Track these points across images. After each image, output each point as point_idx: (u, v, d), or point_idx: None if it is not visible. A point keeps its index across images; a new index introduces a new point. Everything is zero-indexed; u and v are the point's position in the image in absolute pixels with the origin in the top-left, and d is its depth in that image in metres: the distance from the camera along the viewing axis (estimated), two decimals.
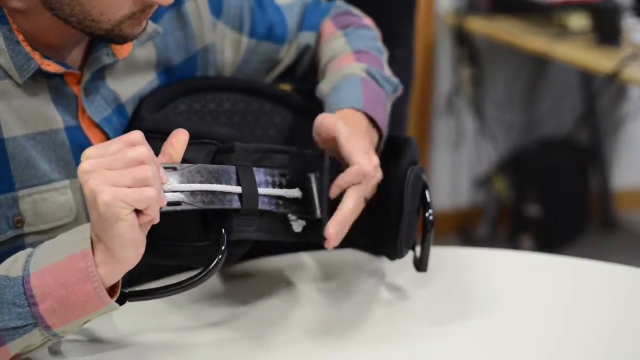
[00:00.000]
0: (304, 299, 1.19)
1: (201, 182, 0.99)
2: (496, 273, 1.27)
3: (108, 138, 1.10)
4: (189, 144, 1.00)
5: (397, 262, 1.19)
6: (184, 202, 0.97)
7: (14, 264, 0.95)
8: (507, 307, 1.18)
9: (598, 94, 3.47)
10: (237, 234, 1.03)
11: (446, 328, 1.13)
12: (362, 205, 1.10)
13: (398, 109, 1.32)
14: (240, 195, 1.02)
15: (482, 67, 3.39)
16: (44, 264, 0.93)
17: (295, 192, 1.08)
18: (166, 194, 0.95)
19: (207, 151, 1.04)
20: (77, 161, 1.05)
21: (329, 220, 1.07)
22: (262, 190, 1.04)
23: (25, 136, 1.03)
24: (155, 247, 0.97)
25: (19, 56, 1.02)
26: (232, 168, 1.03)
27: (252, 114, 1.25)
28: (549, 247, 3.22)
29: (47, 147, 1.05)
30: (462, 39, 3.31)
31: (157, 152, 0.97)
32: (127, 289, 0.99)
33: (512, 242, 3.38)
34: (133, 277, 1.01)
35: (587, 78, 3.43)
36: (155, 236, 0.95)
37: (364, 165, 1.08)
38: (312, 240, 1.09)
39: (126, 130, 1.13)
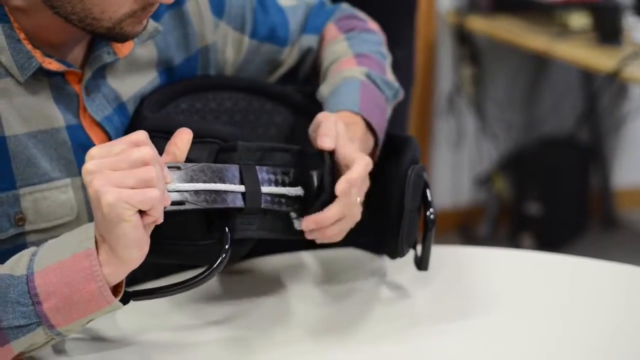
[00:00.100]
0: (305, 297, 1.20)
1: (205, 182, 0.99)
2: (497, 272, 1.27)
3: (109, 137, 1.10)
4: (192, 143, 1.01)
5: (398, 260, 1.19)
6: (187, 201, 0.97)
7: (18, 263, 0.95)
8: (508, 305, 1.18)
9: (599, 93, 3.47)
10: (241, 233, 1.03)
11: (447, 327, 1.13)
12: (356, 211, 1.09)
13: (399, 108, 1.32)
14: (243, 194, 1.02)
15: (483, 66, 3.39)
16: (48, 263, 0.93)
17: (297, 191, 1.08)
18: (170, 193, 0.96)
19: (209, 150, 1.04)
20: (79, 160, 1.05)
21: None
22: (265, 189, 1.04)
23: (27, 134, 1.03)
24: (159, 246, 0.98)
25: (20, 54, 1.02)
26: (236, 167, 1.03)
27: (253, 113, 1.25)
28: (549, 246, 3.22)
29: (48, 145, 1.05)
30: (463, 38, 3.31)
31: (159, 151, 0.98)
32: (131, 288, 1.00)
33: (512, 241, 3.38)
34: (137, 276, 1.01)
35: (587, 77, 3.42)
36: (159, 235, 0.95)
37: (365, 159, 1.08)
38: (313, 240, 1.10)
39: (128, 129, 1.13)
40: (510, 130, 3.50)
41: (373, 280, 1.24)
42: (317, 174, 1.08)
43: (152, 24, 1.14)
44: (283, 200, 1.07)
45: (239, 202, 1.02)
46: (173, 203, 0.96)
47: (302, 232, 1.09)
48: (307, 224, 1.07)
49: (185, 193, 0.97)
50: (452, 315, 1.16)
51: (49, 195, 1.05)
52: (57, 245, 0.95)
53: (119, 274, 0.94)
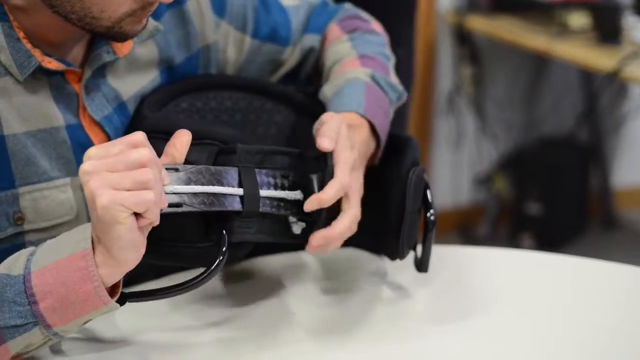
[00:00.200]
0: (305, 298, 1.19)
1: (203, 184, 0.99)
2: (497, 272, 1.27)
3: (108, 137, 1.10)
4: (191, 144, 1.00)
5: (398, 260, 1.19)
6: (185, 203, 0.97)
7: (15, 263, 0.95)
8: (508, 306, 1.18)
9: (598, 93, 3.47)
10: (238, 236, 1.03)
11: (447, 327, 1.13)
12: (355, 226, 1.09)
13: (399, 108, 1.32)
14: (241, 197, 1.02)
15: (482, 66, 3.39)
16: (45, 263, 0.93)
17: (297, 194, 1.08)
18: (167, 195, 0.95)
19: (209, 152, 1.04)
20: (78, 159, 1.05)
21: (327, 224, 1.07)
22: (263, 192, 1.04)
23: (26, 133, 1.03)
24: (157, 247, 0.97)
25: (20, 53, 1.02)
26: (235, 169, 1.03)
27: (253, 112, 1.25)
28: (549, 246, 3.21)
29: (48, 144, 1.05)
30: (463, 37, 3.31)
31: (158, 152, 0.97)
32: (128, 290, 0.99)
33: (512, 241, 3.38)
34: (135, 276, 1.01)
35: (587, 77, 3.42)
36: (157, 237, 0.95)
37: (343, 178, 1.07)
38: None
39: (128, 128, 1.13)
40: (510, 130, 3.50)
41: (373, 280, 1.24)
42: (317, 178, 1.08)
43: (152, 23, 1.14)
44: (282, 203, 1.06)
45: (237, 205, 1.01)
46: (170, 205, 0.96)
47: (300, 236, 1.09)
48: (317, 240, 1.07)
49: (183, 195, 0.97)
50: (452, 316, 1.16)
51: (48, 195, 1.05)
52: (54, 245, 0.95)
53: (116, 275, 0.93)
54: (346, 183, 1.07)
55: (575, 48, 2.89)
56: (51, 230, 1.05)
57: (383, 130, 1.18)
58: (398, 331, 1.12)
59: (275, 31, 1.28)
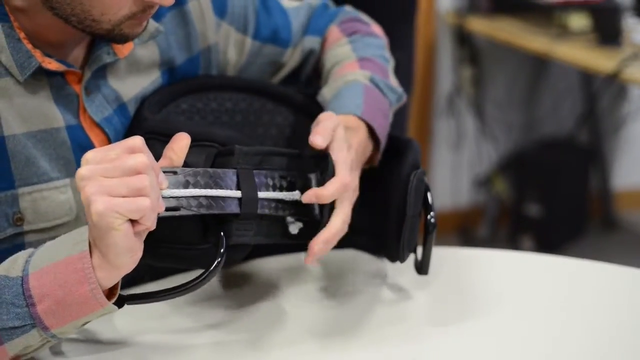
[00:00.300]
0: (305, 299, 1.19)
1: (201, 187, 0.99)
2: (496, 274, 1.27)
3: (109, 138, 1.10)
4: (190, 146, 1.00)
5: (398, 262, 1.19)
6: (182, 207, 0.97)
7: (13, 264, 0.95)
8: (508, 307, 1.18)
9: (598, 94, 3.47)
10: (236, 239, 1.03)
11: (447, 329, 1.13)
12: (347, 225, 1.09)
13: (399, 110, 1.32)
14: (240, 199, 1.02)
15: (482, 67, 3.39)
16: (43, 265, 0.93)
17: (295, 195, 1.07)
18: (165, 199, 0.95)
19: (207, 154, 1.04)
20: (78, 160, 1.05)
21: (323, 225, 1.07)
22: (262, 194, 1.04)
23: (26, 134, 1.03)
24: (155, 249, 0.97)
25: (20, 53, 1.02)
26: (233, 172, 1.02)
27: (254, 113, 1.25)
28: (549, 248, 3.22)
29: (48, 145, 1.05)
30: (463, 39, 3.31)
31: (157, 154, 0.97)
32: (126, 292, 0.99)
33: (512, 243, 3.38)
34: (134, 277, 1.01)
35: (587, 78, 3.43)
36: (155, 239, 0.95)
37: (345, 177, 1.07)
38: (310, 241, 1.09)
39: (128, 130, 1.13)
40: (510, 132, 3.50)
41: (373, 282, 1.24)
42: (315, 177, 1.08)
43: (153, 25, 1.14)
44: (280, 204, 1.06)
45: (235, 208, 1.01)
46: (168, 209, 0.95)
47: (297, 236, 1.09)
48: (319, 245, 1.06)
49: (181, 199, 0.97)
50: (452, 317, 1.16)
51: (48, 195, 1.05)
52: (52, 247, 0.95)
53: (112, 278, 0.93)
54: (347, 182, 1.07)
55: (575, 49, 2.89)
56: (51, 231, 1.05)
57: (382, 132, 1.18)
58: (398, 333, 1.12)
59: (276, 33, 1.28)
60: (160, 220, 0.93)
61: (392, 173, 1.15)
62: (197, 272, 1.01)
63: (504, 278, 1.25)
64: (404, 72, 1.81)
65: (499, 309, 1.17)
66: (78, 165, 1.01)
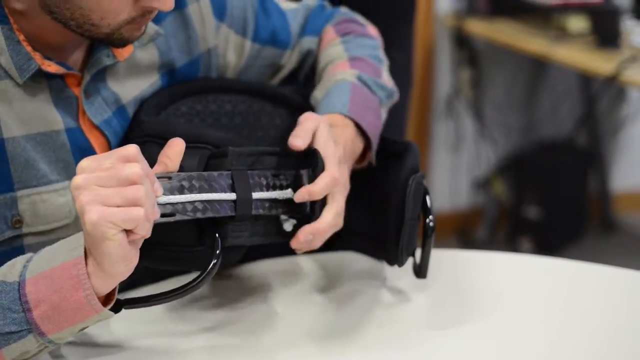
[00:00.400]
0: (304, 302, 1.19)
1: (196, 191, 0.99)
2: (495, 276, 1.27)
3: (108, 140, 1.10)
4: None
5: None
6: (178, 212, 0.97)
7: (11, 269, 0.95)
8: (506, 309, 1.18)
9: (597, 97, 3.47)
10: (232, 240, 1.03)
11: (446, 331, 1.13)
12: (341, 220, 1.09)
13: (398, 112, 1.32)
14: (234, 201, 1.02)
15: (481, 69, 3.39)
16: (40, 270, 0.93)
17: (287, 194, 1.08)
18: (160, 205, 0.95)
19: (200, 156, 1.04)
20: (77, 163, 1.05)
21: (315, 219, 1.07)
22: (256, 195, 1.04)
23: (25, 137, 1.03)
24: (152, 252, 0.97)
25: (20, 56, 1.02)
26: (227, 173, 1.03)
27: (253, 115, 1.25)
28: (548, 250, 3.22)
29: (47, 148, 1.05)
30: (462, 41, 3.31)
31: (153, 157, 0.97)
32: (125, 295, 0.99)
33: (511, 245, 3.37)
34: (134, 280, 1.01)
35: (586, 80, 3.43)
36: (151, 242, 0.94)
37: (334, 171, 1.08)
38: None
39: (126, 132, 1.13)
40: (508, 134, 3.50)
41: (372, 284, 1.24)
42: (307, 174, 1.08)
43: (152, 27, 1.14)
44: (274, 203, 1.06)
45: (230, 211, 1.02)
46: (163, 215, 0.95)
47: (292, 234, 1.09)
48: (304, 235, 1.06)
49: (176, 204, 0.97)
50: (450, 320, 1.15)
51: (47, 198, 1.05)
52: (50, 252, 0.95)
53: (108, 285, 0.93)
54: (336, 176, 1.07)
55: (574, 52, 2.89)
56: (50, 234, 1.05)
57: (372, 129, 1.18)
58: (397, 335, 1.12)
59: (275, 35, 1.28)
60: (156, 225, 0.93)
61: (391, 176, 1.15)
62: (196, 274, 1.01)
63: (503, 280, 1.25)
64: (402, 73, 1.81)
65: (497, 311, 1.17)
66: None
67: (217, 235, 1.01)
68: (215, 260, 1.00)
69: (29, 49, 1.02)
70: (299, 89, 1.32)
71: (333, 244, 1.17)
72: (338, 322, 1.15)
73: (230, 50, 1.25)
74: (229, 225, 1.02)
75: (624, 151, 3.65)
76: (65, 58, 1.07)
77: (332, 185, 1.07)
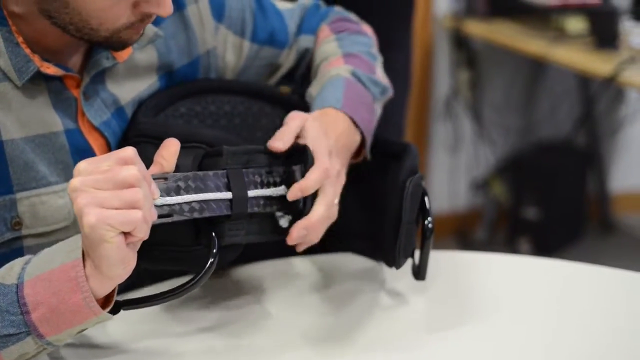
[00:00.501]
0: (302, 304, 1.19)
1: (192, 191, 0.99)
2: (494, 277, 1.27)
3: (107, 141, 1.10)
4: None
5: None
6: (175, 213, 0.97)
7: (10, 271, 0.95)
8: (505, 311, 1.18)
9: (596, 97, 3.47)
10: (229, 239, 1.03)
11: (445, 333, 1.13)
12: (334, 211, 1.09)
13: (397, 113, 1.33)
14: (230, 200, 1.02)
15: (480, 71, 3.39)
16: (38, 272, 0.93)
17: (281, 190, 1.08)
18: (157, 207, 0.95)
19: (195, 155, 1.04)
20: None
21: (306, 214, 1.07)
22: (251, 193, 1.04)
23: (25, 139, 1.03)
24: (150, 252, 0.97)
25: (18, 58, 1.02)
26: (222, 172, 1.03)
27: (252, 116, 1.25)
28: (547, 251, 3.22)
29: (47, 150, 1.05)
30: (460, 42, 3.31)
31: (149, 157, 0.98)
32: (122, 297, 0.99)
33: (510, 246, 3.37)
34: (134, 280, 1.01)
35: (584, 81, 3.43)
36: (148, 242, 0.94)
37: (324, 162, 1.08)
38: None
39: (124, 133, 1.13)
40: (507, 135, 3.50)
41: (370, 286, 1.24)
42: (299, 169, 1.08)
43: (152, 29, 1.14)
44: (268, 201, 1.07)
45: (226, 210, 1.02)
46: (160, 216, 0.96)
47: (288, 230, 1.09)
48: (298, 231, 1.06)
49: (173, 205, 0.97)
50: (449, 321, 1.15)
51: (46, 200, 1.05)
52: (49, 254, 0.95)
53: (106, 288, 0.93)
54: (327, 167, 1.07)
55: (572, 53, 2.89)
56: (49, 236, 1.05)
57: (366, 125, 1.19)
58: (396, 337, 1.12)
59: (273, 35, 1.28)
60: (153, 226, 0.93)
61: (389, 178, 1.15)
62: (189, 278, 1.01)
63: (502, 281, 1.25)
64: (401, 75, 1.81)
65: (496, 313, 1.17)
66: None
67: (213, 234, 1.02)
68: (212, 260, 1.00)
69: (27, 51, 1.02)
70: (296, 88, 1.33)
71: (331, 245, 1.17)
72: (335, 324, 1.15)
73: (229, 51, 1.25)
74: (225, 224, 1.03)
75: (622, 152, 3.65)
76: (64, 60, 1.07)
77: (323, 177, 1.07)
